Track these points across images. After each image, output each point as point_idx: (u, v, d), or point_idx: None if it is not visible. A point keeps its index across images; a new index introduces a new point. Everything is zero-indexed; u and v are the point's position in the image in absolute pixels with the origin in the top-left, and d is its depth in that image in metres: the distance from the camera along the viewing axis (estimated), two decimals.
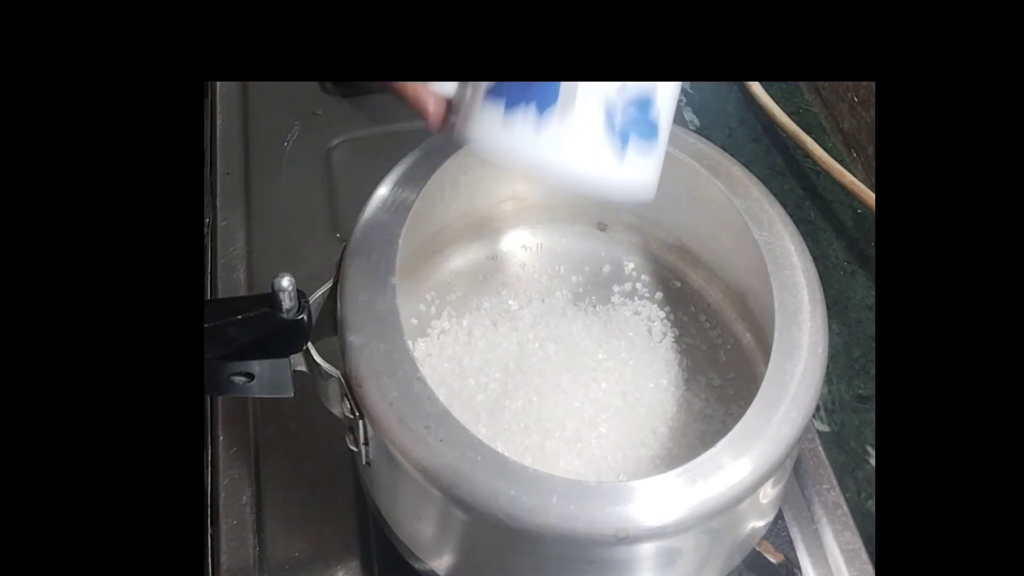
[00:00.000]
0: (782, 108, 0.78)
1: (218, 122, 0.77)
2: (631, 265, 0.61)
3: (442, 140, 0.53)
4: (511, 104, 0.39)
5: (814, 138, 0.75)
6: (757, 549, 0.52)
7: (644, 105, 0.40)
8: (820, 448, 0.60)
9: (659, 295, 0.59)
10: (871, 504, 0.59)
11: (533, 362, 0.55)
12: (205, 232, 0.70)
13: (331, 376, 0.45)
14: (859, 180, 0.71)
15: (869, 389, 0.64)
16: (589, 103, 0.39)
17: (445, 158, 0.52)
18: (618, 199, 0.42)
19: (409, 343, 0.45)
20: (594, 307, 0.59)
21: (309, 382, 0.48)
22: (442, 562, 0.47)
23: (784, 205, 0.52)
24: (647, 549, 0.43)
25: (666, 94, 0.40)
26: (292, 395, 0.48)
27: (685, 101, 0.78)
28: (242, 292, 0.66)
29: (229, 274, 0.67)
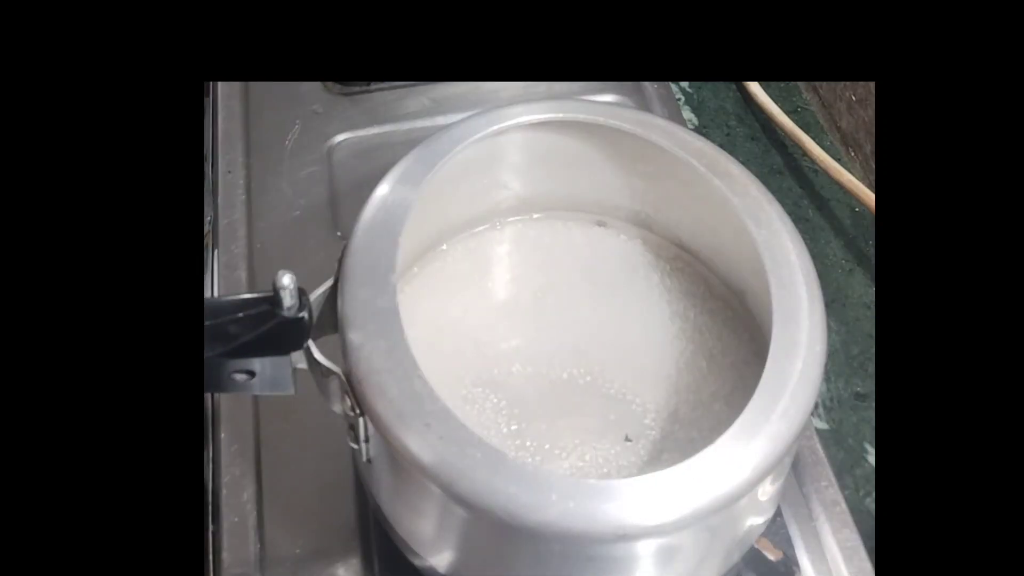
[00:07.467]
0: (780, 107, 0.78)
1: (219, 121, 0.77)
2: (629, 263, 0.61)
3: (442, 140, 0.53)
4: None
5: (812, 137, 0.75)
6: (756, 546, 0.52)
7: None
8: (819, 446, 0.60)
9: (657, 293, 0.59)
10: (869, 501, 0.59)
11: None
12: (206, 230, 0.71)
13: (332, 373, 0.46)
14: (857, 179, 0.71)
15: (867, 387, 0.64)
16: None
17: (445, 157, 0.52)
18: None
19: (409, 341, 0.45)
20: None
21: (310, 380, 0.48)
22: (442, 559, 0.48)
23: (782, 203, 0.52)
24: (646, 546, 0.43)
25: None
26: (293, 393, 0.48)
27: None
28: (243, 290, 0.66)
29: (230, 272, 0.67)
